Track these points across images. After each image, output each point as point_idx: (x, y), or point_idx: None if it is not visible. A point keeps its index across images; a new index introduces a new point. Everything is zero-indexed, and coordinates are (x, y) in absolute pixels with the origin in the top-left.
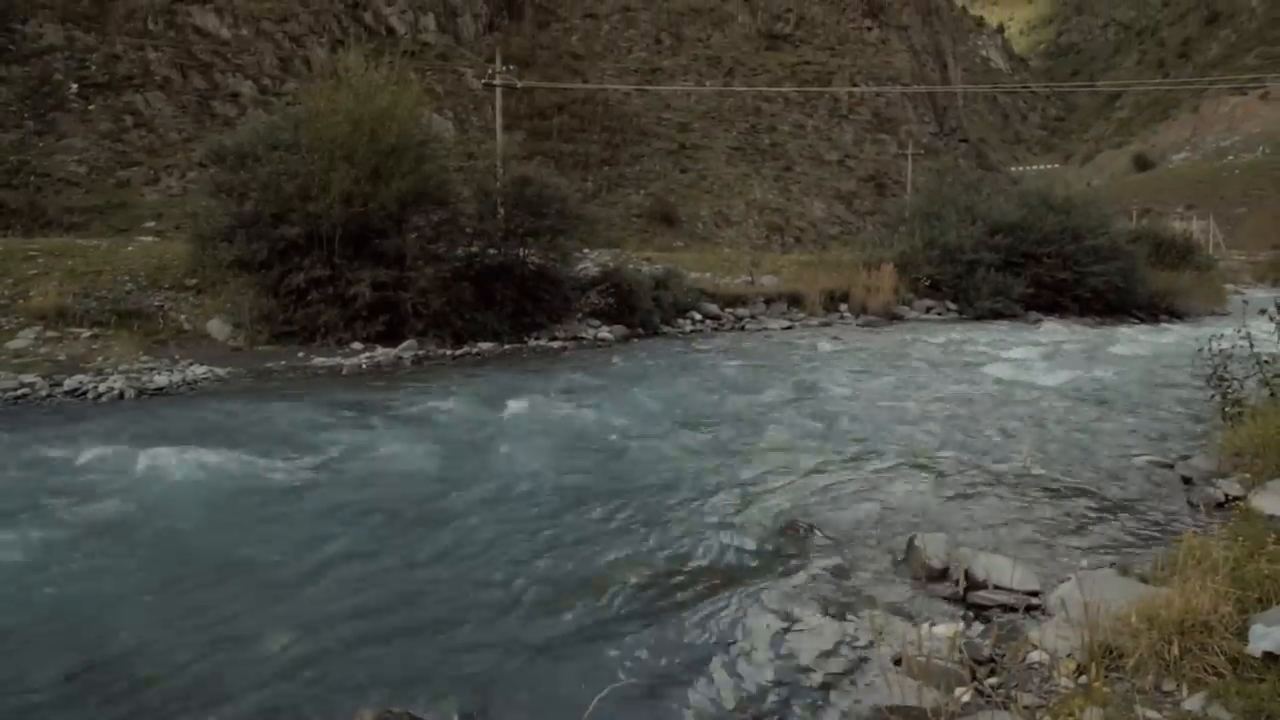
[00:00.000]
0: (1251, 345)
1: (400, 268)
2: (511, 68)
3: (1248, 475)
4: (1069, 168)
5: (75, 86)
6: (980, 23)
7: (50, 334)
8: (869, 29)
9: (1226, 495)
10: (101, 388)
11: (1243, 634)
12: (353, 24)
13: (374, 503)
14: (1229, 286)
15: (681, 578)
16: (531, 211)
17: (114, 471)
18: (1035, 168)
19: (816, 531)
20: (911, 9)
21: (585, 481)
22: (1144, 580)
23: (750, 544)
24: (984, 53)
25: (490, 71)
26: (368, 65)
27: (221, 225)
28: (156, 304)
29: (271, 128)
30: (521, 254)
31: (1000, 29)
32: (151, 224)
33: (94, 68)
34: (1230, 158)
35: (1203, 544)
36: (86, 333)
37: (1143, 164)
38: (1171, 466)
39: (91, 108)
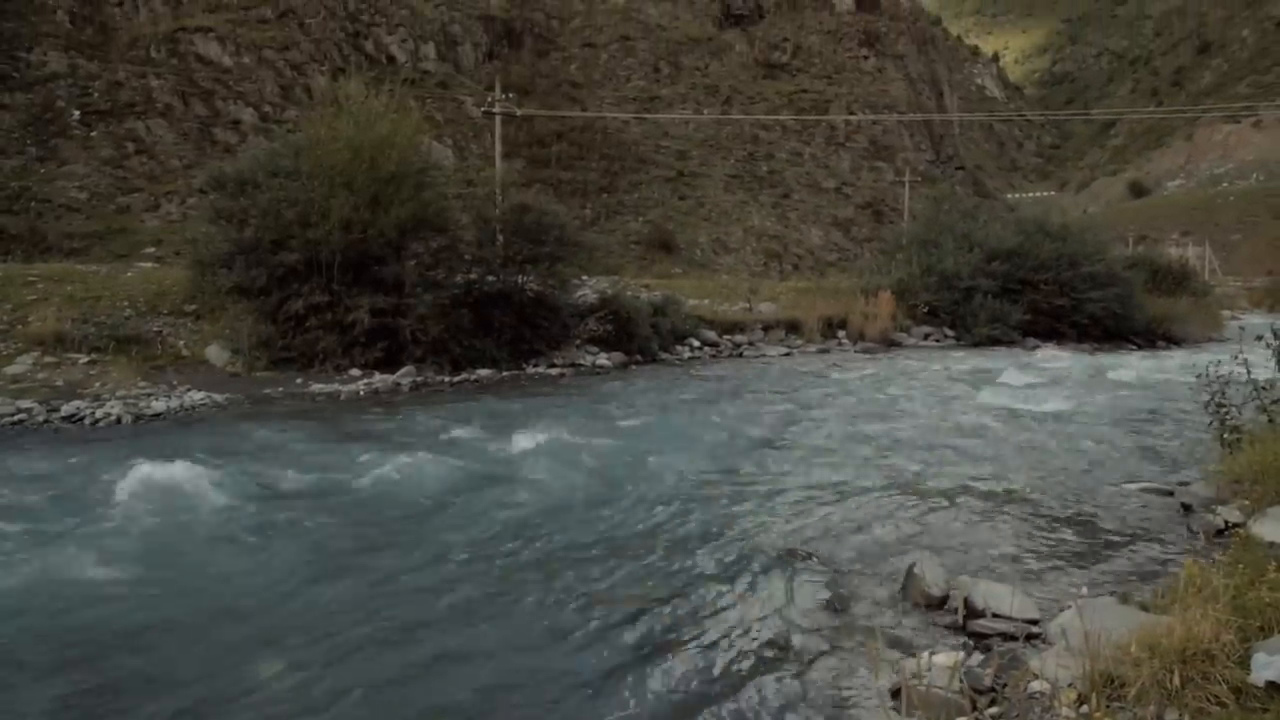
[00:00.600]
0: (1249, 371)
1: (399, 294)
2: (511, 96)
3: (1246, 502)
4: (1065, 195)
5: (78, 113)
6: (975, 52)
7: (48, 359)
8: (865, 58)
9: (1226, 522)
10: (99, 413)
11: (1245, 663)
12: (354, 52)
13: (372, 532)
14: (1226, 312)
15: (677, 606)
16: (530, 239)
17: (105, 496)
18: (1031, 195)
19: (814, 559)
20: (907, 38)
21: (580, 510)
22: (1145, 608)
23: (748, 572)
24: (979, 81)
25: (490, 99)
26: (368, 93)
27: (221, 251)
28: (155, 330)
29: (272, 155)
30: (520, 281)
31: (995, 58)
32: (151, 250)
33: (96, 95)
34: (1225, 185)
35: (1203, 572)
36: (84, 358)
37: (1138, 191)
38: (1171, 493)
39: (93, 134)
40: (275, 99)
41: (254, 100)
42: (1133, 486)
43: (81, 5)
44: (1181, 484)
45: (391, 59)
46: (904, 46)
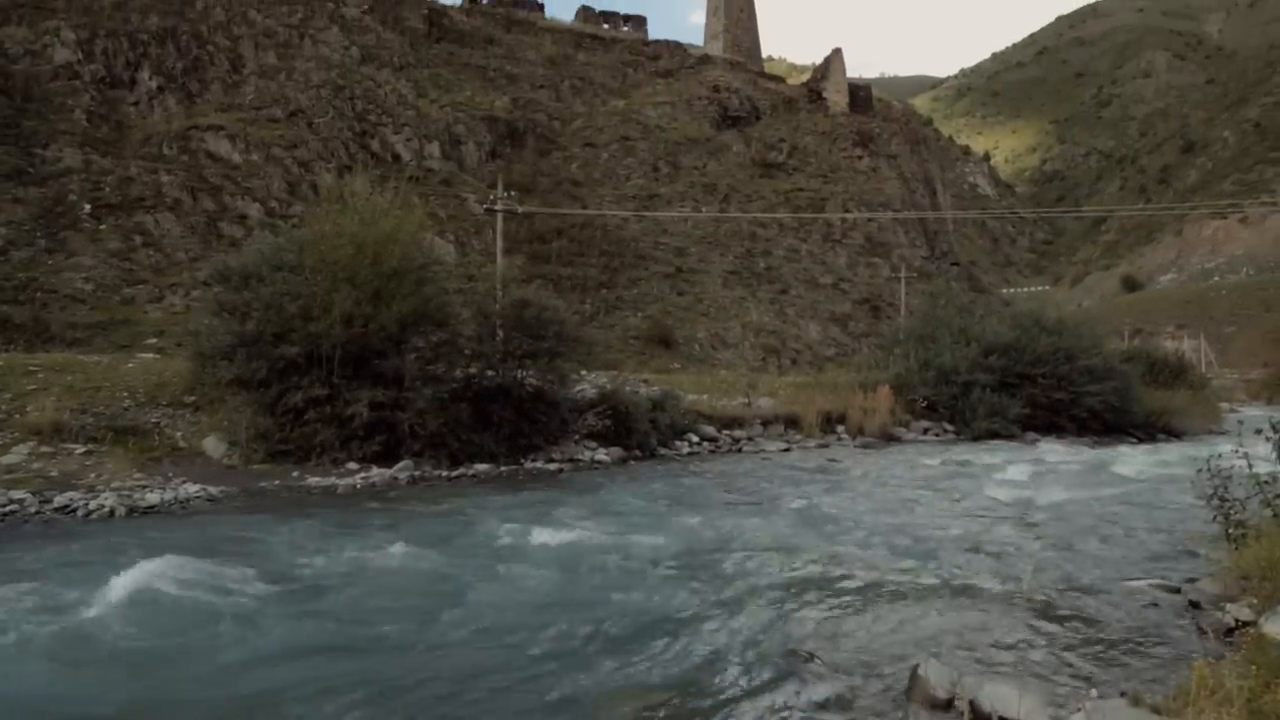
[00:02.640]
0: (1250, 465)
1: (398, 388)
2: (513, 193)
3: (1255, 600)
4: (1060, 289)
5: (88, 207)
6: (967, 151)
7: (44, 449)
8: (859, 158)
9: (1236, 620)
10: (92, 505)
11: None
12: (360, 151)
13: (359, 631)
14: (1224, 405)
15: (677, 707)
16: (530, 334)
17: (90, 589)
18: (1026, 290)
19: (817, 659)
20: (900, 139)
21: (580, 610)
22: (1156, 711)
23: (747, 674)
24: (972, 179)
25: (492, 197)
26: (373, 190)
27: (222, 344)
28: (153, 421)
29: (276, 249)
30: (519, 376)
31: (986, 157)
32: (153, 340)
33: (108, 189)
34: (1216, 279)
35: (1215, 673)
36: (81, 449)
37: (1131, 285)
38: (1178, 590)
39: (102, 227)
40: (282, 195)
41: (261, 196)
42: (1139, 583)
43: (99, 104)
44: (1189, 580)
45: (397, 157)
46: (897, 147)
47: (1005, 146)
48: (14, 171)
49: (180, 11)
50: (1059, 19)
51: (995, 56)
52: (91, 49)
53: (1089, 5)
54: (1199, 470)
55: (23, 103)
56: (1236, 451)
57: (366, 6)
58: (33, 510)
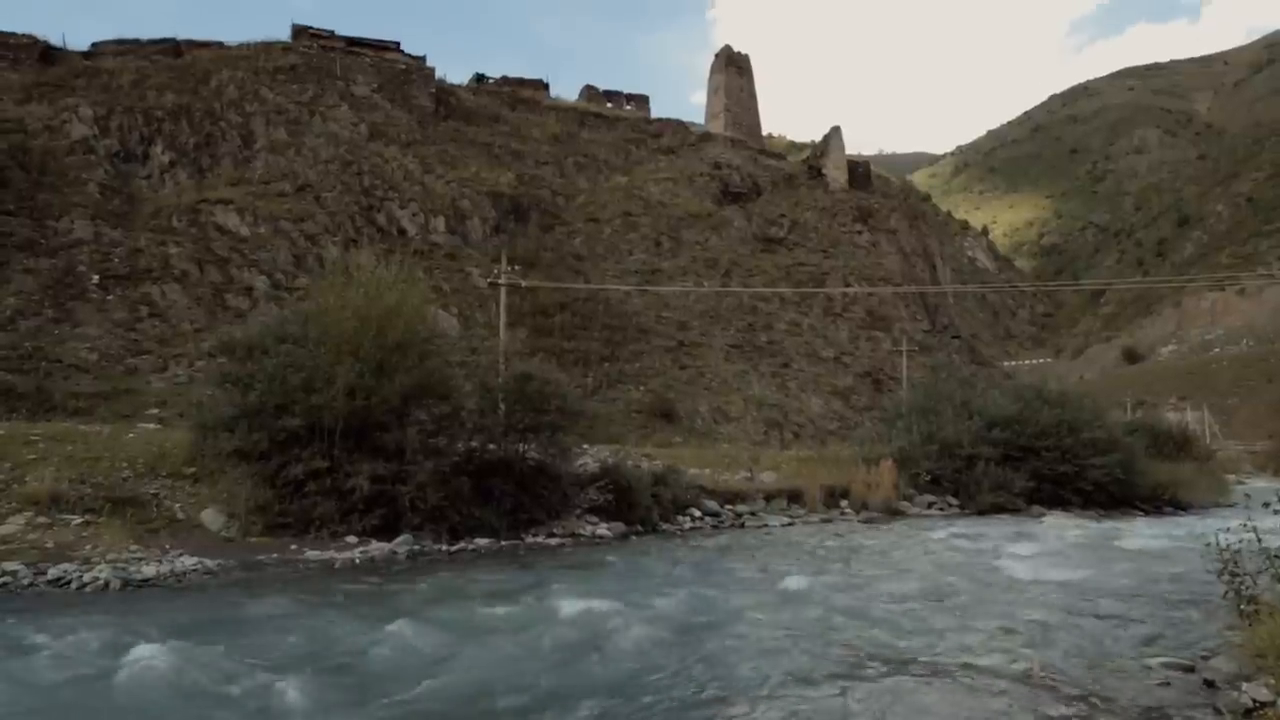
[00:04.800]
0: (1259, 539)
1: (400, 461)
2: (516, 268)
3: (1272, 680)
4: (1061, 361)
5: (97, 278)
6: (965, 226)
7: (41, 520)
8: (859, 233)
9: (1254, 700)
10: (86, 577)
11: None
12: (366, 225)
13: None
14: (1230, 477)
15: None
16: (532, 407)
17: (72, 667)
18: (1027, 362)
19: None
20: (899, 214)
21: (583, 694)
22: None
23: None
24: (971, 253)
25: (496, 271)
26: (378, 263)
27: (225, 415)
28: (152, 492)
29: (281, 321)
30: (521, 449)
31: (985, 231)
32: (155, 411)
33: (117, 260)
34: (1216, 350)
35: None
36: (78, 520)
37: (1132, 357)
38: (1192, 669)
39: (110, 298)
40: (288, 267)
41: (268, 268)
42: (1151, 661)
43: (112, 178)
44: (1203, 657)
45: (402, 231)
46: (896, 222)
47: (1003, 221)
48: (26, 243)
49: (194, 89)
50: (1052, 97)
51: (991, 133)
52: (108, 124)
53: (1081, 84)
54: (1208, 544)
55: (39, 176)
56: (1245, 525)
57: (376, 85)
58: (26, 582)
